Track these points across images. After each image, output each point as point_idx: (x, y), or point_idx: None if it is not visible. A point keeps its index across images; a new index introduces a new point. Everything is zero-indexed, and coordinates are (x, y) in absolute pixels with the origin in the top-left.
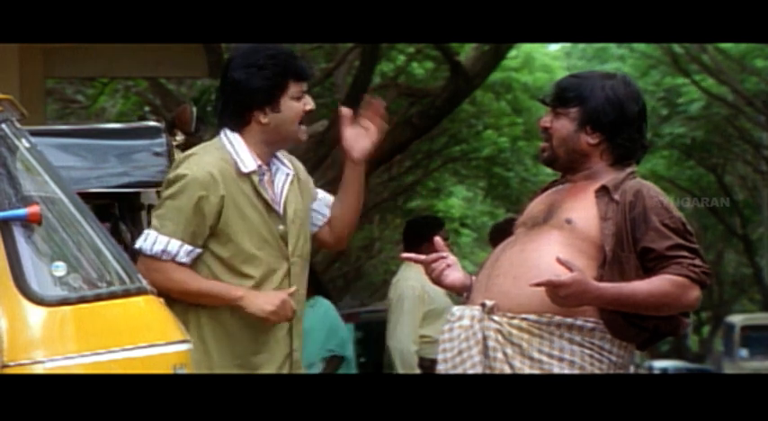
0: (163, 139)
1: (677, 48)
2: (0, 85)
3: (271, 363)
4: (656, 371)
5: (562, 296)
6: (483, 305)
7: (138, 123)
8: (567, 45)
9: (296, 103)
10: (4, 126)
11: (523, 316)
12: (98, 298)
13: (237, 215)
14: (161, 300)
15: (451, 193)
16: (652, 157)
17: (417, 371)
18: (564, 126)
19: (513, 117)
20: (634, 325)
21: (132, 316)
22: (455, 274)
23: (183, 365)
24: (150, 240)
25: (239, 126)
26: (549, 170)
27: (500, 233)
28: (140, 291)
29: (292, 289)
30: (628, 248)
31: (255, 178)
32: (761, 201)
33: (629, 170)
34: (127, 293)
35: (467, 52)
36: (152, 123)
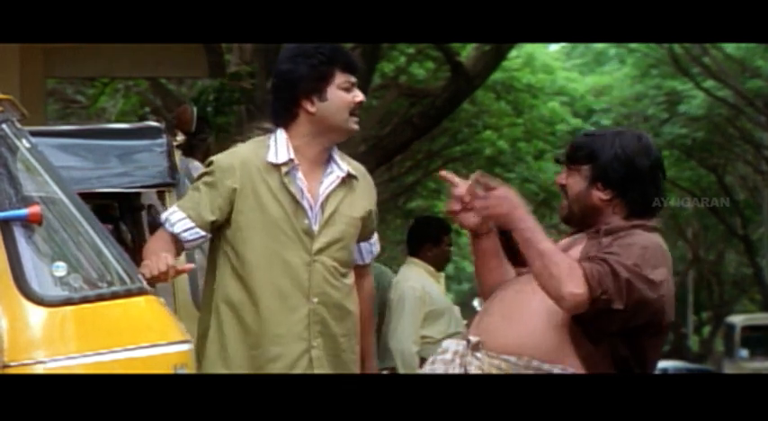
0: (163, 140)
1: (678, 49)
2: (0, 85)
3: (285, 358)
4: (656, 372)
5: (493, 202)
6: (468, 341)
7: (138, 123)
8: (568, 45)
9: (344, 93)
10: (4, 126)
11: (504, 357)
12: (100, 298)
13: (255, 205)
14: (162, 300)
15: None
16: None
17: (418, 371)
18: (577, 183)
19: (514, 117)
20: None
21: (133, 316)
22: (469, 217)
23: (183, 365)
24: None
25: (288, 119)
26: (550, 171)
27: (500, 233)
28: (141, 292)
29: (188, 266)
30: None
31: (284, 169)
32: (761, 201)
33: (637, 222)
34: (128, 293)
35: (467, 52)
36: (153, 123)
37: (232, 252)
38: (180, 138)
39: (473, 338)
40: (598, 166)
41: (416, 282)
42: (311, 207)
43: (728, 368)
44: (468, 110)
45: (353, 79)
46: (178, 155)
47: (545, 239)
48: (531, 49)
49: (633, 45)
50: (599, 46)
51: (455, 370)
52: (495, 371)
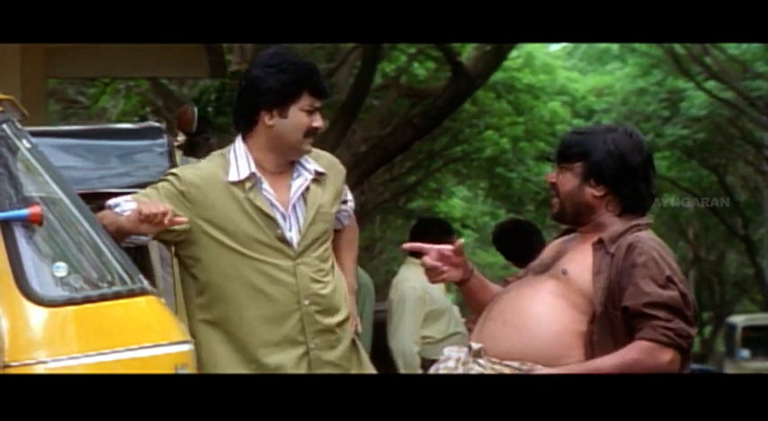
0: (164, 140)
1: (679, 49)
2: (1, 85)
3: (284, 365)
4: None
5: None
6: (470, 348)
7: (139, 124)
8: (569, 45)
9: (304, 116)
10: (5, 126)
11: (506, 362)
12: (101, 298)
13: (225, 222)
14: (163, 300)
15: (453, 194)
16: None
17: (419, 371)
18: (569, 181)
19: (515, 117)
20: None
21: (134, 316)
22: (452, 274)
23: (184, 365)
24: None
25: (248, 126)
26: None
27: (502, 234)
28: (142, 292)
29: (182, 218)
30: (617, 306)
31: (248, 185)
32: (762, 201)
33: (633, 222)
34: (129, 293)
35: (468, 52)
36: (153, 124)
37: (210, 275)
38: (181, 138)
39: (475, 345)
40: (591, 163)
41: (416, 282)
42: (283, 215)
43: (729, 368)
44: (470, 110)
45: (318, 104)
46: (179, 155)
47: (591, 367)
48: (532, 49)
49: (634, 45)
50: (600, 46)
51: None
52: None
